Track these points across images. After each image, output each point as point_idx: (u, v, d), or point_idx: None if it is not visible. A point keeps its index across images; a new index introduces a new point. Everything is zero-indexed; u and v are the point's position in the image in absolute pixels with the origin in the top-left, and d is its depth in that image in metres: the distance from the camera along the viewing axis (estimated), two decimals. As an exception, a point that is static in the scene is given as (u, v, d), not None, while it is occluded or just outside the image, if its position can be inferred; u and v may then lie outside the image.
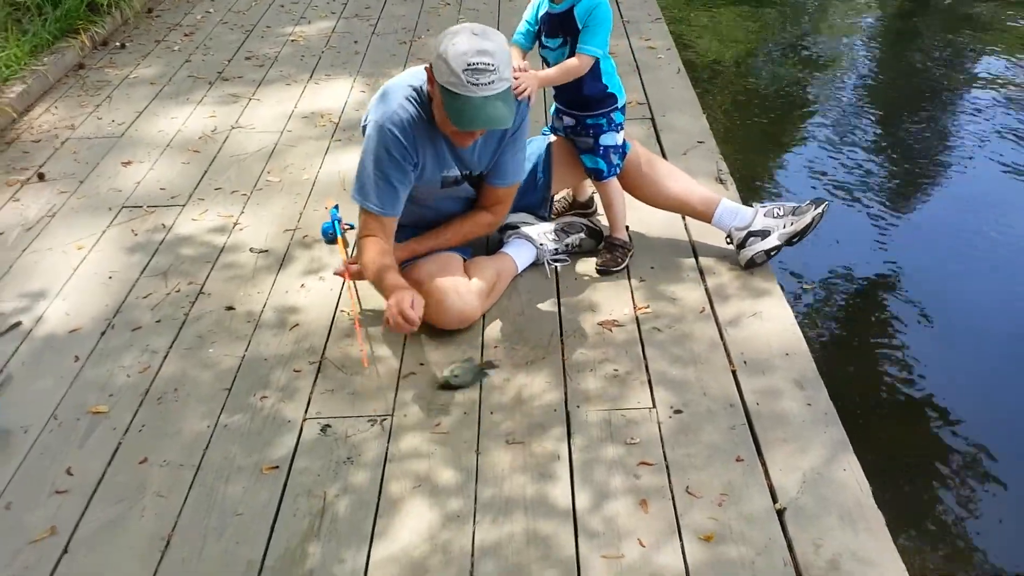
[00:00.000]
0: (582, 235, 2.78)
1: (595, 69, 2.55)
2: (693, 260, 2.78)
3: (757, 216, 2.69)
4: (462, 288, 2.47)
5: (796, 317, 2.52)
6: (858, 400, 2.86)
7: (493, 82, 2.19)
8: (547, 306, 2.61)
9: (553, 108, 2.77)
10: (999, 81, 5.22)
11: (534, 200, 2.82)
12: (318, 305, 2.67)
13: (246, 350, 2.50)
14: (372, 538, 1.90)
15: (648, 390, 2.27)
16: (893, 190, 4.16)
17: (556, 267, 2.73)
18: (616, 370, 2.34)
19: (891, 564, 1.79)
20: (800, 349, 2.38)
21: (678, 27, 5.93)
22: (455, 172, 2.49)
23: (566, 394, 2.27)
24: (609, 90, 2.62)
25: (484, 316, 2.55)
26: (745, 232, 2.67)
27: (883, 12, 6.85)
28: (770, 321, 2.49)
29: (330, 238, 2.83)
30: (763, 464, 2.03)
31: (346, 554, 1.87)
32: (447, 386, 2.29)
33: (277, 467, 2.09)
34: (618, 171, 2.72)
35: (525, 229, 2.75)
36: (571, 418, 2.19)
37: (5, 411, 2.31)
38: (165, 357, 2.49)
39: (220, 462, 2.12)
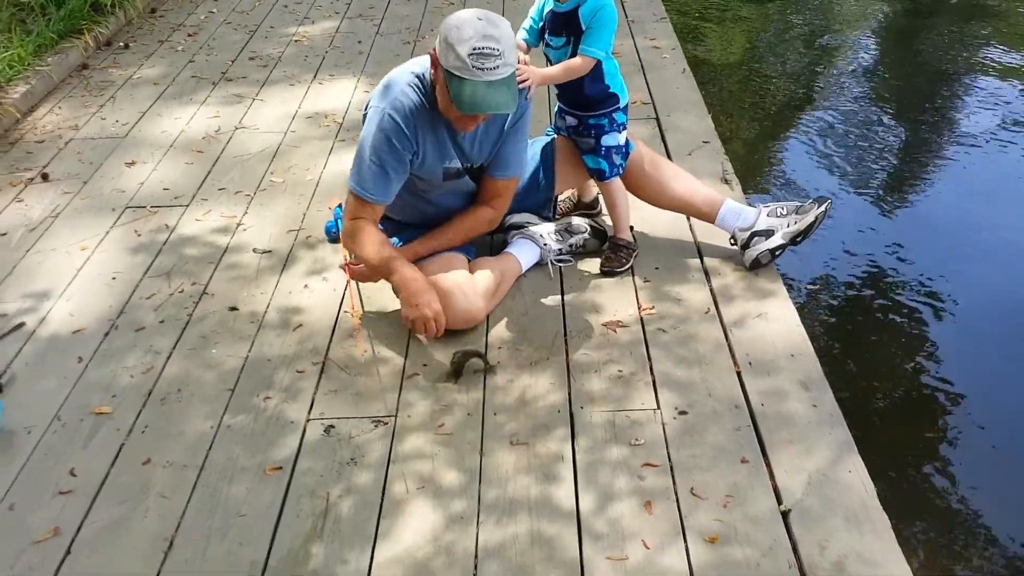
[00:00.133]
0: (586, 235, 2.78)
1: (597, 70, 2.54)
2: (698, 261, 2.77)
3: (760, 216, 2.68)
4: (467, 288, 2.47)
5: (801, 318, 2.51)
6: (863, 401, 2.85)
7: (498, 67, 2.19)
8: (551, 307, 2.60)
9: (556, 108, 2.77)
10: (1016, 75, 5.17)
11: (538, 201, 2.82)
12: (321, 305, 2.66)
13: (249, 351, 2.49)
14: (375, 539, 1.89)
15: (652, 391, 2.26)
16: (898, 189, 4.15)
17: (560, 267, 2.73)
18: (620, 371, 2.33)
19: (896, 566, 1.78)
20: (805, 350, 2.38)
21: (685, 20, 5.92)
22: (456, 164, 2.49)
23: (570, 395, 2.26)
24: (611, 90, 2.61)
25: (488, 316, 2.55)
26: (749, 232, 2.67)
27: (893, 6, 6.81)
28: (775, 322, 2.48)
29: (333, 237, 2.82)
30: (768, 465, 2.02)
31: (349, 555, 1.86)
32: (458, 366, 2.31)
33: (280, 468, 2.09)
34: (621, 171, 2.71)
35: (529, 229, 2.74)
36: (575, 419, 2.18)
37: (9, 412, 2.31)
38: (168, 358, 2.49)
39: (223, 463, 2.12)
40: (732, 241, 2.73)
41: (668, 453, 2.07)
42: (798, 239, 2.66)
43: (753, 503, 1.92)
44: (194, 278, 2.84)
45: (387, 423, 2.20)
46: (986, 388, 2.93)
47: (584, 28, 2.46)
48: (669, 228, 2.91)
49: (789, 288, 2.70)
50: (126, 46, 4.98)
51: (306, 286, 2.77)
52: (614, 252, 2.74)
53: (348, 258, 2.58)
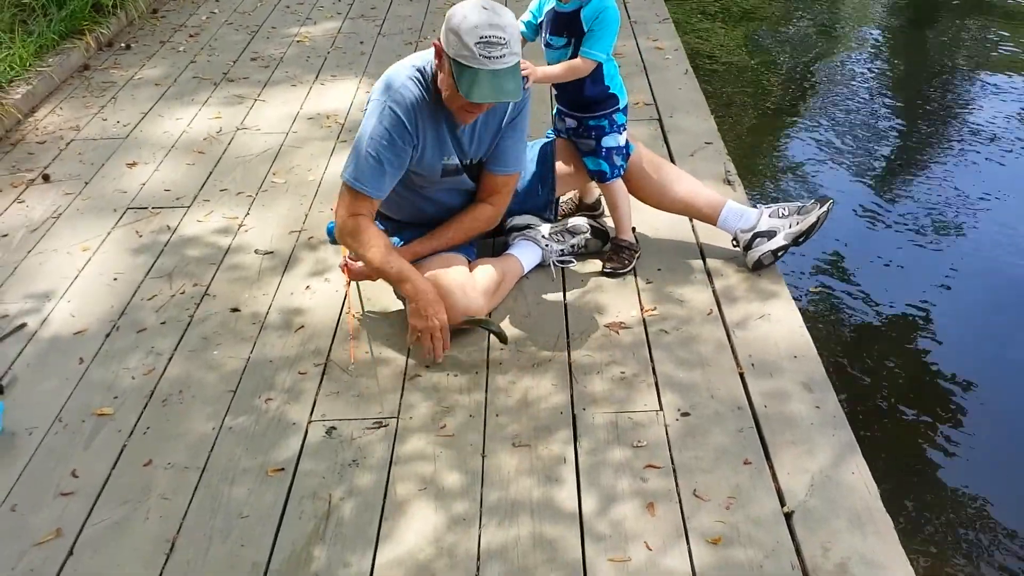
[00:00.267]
0: (587, 235, 2.77)
1: (597, 71, 2.54)
2: (700, 262, 2.76)
3: (762, 217, 2.68)
4: (468, 287, 2.47)
5: (804, 319, 2.51)
6: (867, 402, 2.84)
7: (504, 56, 2.19)
8: (553, 308, 2.60)
9: (555, 110, 2.76)
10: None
11: (539, 203, 2.81)
12: (323, 307, 2.66)
13: (251, 352, 2.49)
14: (377, 541, 1.89)
15: (655, 392, 2.26)
16: (902, 189, 4.14)
17: (562, 269, 2.72)
18: (623, 372, 2.33)
19: (900, 567, 1.78)
20: (808, 351, 2.37)
21: (685, 17, 5.91)
22: (455, 160, 2.48)
23: (572, 396, 2.26)
24: (611, 91, 2.60)
25: (490, 316, 2.54)
26: (751, 233, 2.66)
27: (899, 4, 6.79)
28: (778, 323, 2.48)
29: (335, 238, 2.81)
30: (771, 467, 2.01)
31: (351, 557, 1.86)
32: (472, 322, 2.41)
33: (282, 469, 2.09)
34: (621, 172, 2.71)
35: (530, 231, 2.74)
36: (577, 421, 2.18)
37: (10, 413, 2.30)
38: (170, 359, 2.48)
39: (225, 464, 2.12)
40: (734, 242, 2.73)
41: (671, 454, 2.06)
42: (800, 240, 2.66)
43: (756, 505, 1.92)
44: (196, 279, 2.83)
45: (389, 425, 2.20)
46: (990, 389, 2.92)
47: (586, 30, 2.46)
48: (671, 229, 2.91)
49: (792, 289, 2.70)
50: (127, 47, 4.97)
51: (308, 287, 2.76)
52: (616, 253, 2.74)
53: (347, 256, 2.57)
